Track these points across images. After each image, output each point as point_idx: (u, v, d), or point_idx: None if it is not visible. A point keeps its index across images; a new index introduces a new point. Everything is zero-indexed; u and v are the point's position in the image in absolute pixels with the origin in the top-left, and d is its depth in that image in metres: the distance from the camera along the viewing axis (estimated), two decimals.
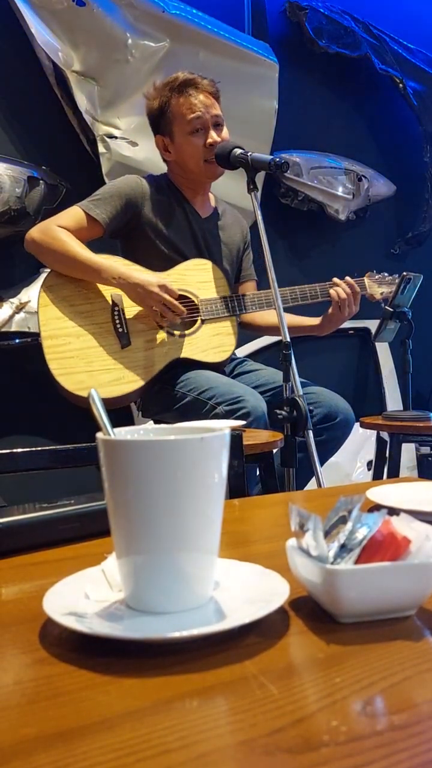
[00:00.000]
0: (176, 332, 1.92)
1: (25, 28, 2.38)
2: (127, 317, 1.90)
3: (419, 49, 3.41)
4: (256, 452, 1.52)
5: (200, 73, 1.98)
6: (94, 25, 2.40)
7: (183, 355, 1.91)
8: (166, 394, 1.91)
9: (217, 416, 1.74)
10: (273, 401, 1.92)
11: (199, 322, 1.94)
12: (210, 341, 1.94)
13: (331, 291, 1.98)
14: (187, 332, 1.93)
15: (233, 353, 2.19)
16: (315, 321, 2.09)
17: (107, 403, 1.86)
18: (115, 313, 1.90)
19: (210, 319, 1.94)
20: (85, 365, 1.86)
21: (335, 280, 1.99)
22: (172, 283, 1.93)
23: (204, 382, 1.83)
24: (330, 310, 2.01)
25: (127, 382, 1.88)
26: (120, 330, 1.90)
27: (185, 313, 1.89)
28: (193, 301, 1.94)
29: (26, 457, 0.98)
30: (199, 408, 1.80)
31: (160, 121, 1.98)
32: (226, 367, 2.07)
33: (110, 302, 1.90)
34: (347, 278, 2.00)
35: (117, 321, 1.90)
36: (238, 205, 2.42)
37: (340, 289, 1.97)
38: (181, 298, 1.94)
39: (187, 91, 1.92)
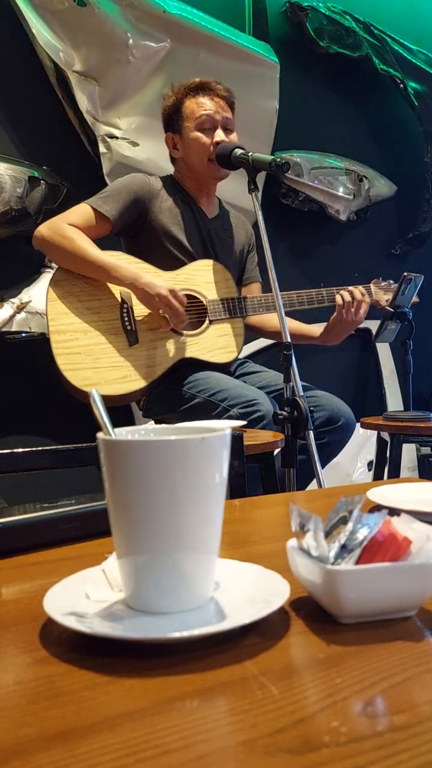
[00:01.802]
0: (184, 332, 1.93)
1: (26, 28, 2.38)
2: (135, 315, 1.90)
3: (420, 49, 3.41)
4: (257, 453, 1.52)
5: (203, 75, 2.03)
6: (95, 25, 2.40)
7: (190, 354, 1.91)
8: (173, 395, 1.90)
9: (231, 418, 1.74)
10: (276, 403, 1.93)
11: (207, 322, 1.94)
12: (217, 342, 1.94)
13: (337, 295, 1.99)
14: (194, 332, 1.94)
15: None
16: (320, 329, 2.09)
17: (113, 400, 1.87)
18: (124, 310, 1.90)
19: (218, 319, 1.95)
20: (92, 362, 1.85)
21: (345, 288, 2.01)
22: (182, 282, 1.94)
23: (215, 384, 1.83)
24: (334, 315, 2.01)
25: (134, 380, 1.88)
26: (128, 327, 1.89)
27: (186, 322, 1.89)
28: (201, 302, 1.95)
29: (26, 457, 0.98)
30: (211, 410, 1.79)
31: (172, 119, 2.02)
32: (231, 368, 2.07)
33: (119, 299, 1.90)
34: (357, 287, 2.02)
35: (125, 318, 1.90)
36: (239, 206, 2.42)
37: (346, 293, 1.98)
38: (190, 298, 1.94)
39: (201, 92, 1.98)
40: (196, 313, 1.95)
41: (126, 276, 1.83)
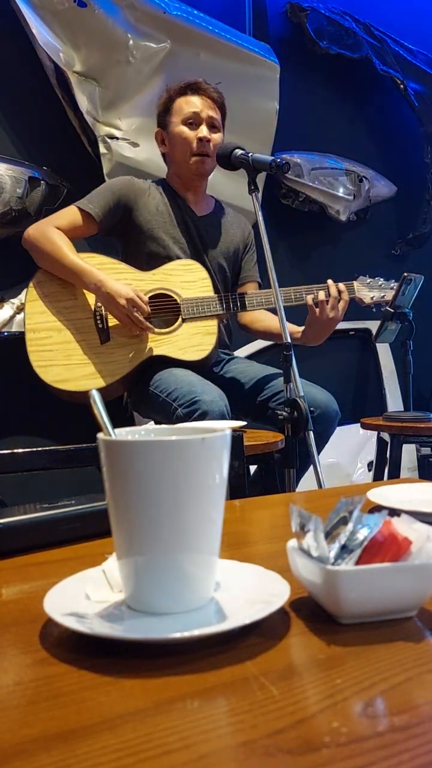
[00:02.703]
0: (156, 330, 1.94)
1: (26, 29, 2.38)
2: (107, 314, 1.93)
3: (420, 50, 3.42)
4: (257, 453, 1.52)
5: (203, 76, 2.07)
6: (96, 25, 2.40)
7: (161, 352, 1.93)
8: (146, 395, 1.91)
9: (178, 419, 1.72)
10: (257, 393, 1.92)
11: (179, 320, 1.95)
12: (189, 340, 1.94)
13: (308, 296, 1.93)
14: (166, 330, 1.95)
15: (229, 353, 2.19)
16: (301, 329, 2.02)
17: (82, 396, 1.88)
18: (97, 309, 1.93)
19: (191, 318, 1.95)
20: (64, 358, 1.90)
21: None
22: (157, 282, 1.96)
23: (171, 383, 1.82)
24: (308, 315, 1.95)
25: (104, 376, 1.90)
26: (100, 326, 1.93)
27: (149, 329, 1.90)
28: (175, 300, 1.96)
29: (27, 457, 0.98)
30: (167, 409, 1.79)
31: (162, 116, 2.07)
32: (217, 367, 2.07)
33: (93, 299, 1.93)
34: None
35: (98, 317, 1.93)
36: (239, 206, 2.42)
37: (321, 293, 1.92)
38: (163, 297, 1.96)
39: (191, 91, 2.03)
40: (169, 311, 1.96)
41: (92, 281, 1.86)
